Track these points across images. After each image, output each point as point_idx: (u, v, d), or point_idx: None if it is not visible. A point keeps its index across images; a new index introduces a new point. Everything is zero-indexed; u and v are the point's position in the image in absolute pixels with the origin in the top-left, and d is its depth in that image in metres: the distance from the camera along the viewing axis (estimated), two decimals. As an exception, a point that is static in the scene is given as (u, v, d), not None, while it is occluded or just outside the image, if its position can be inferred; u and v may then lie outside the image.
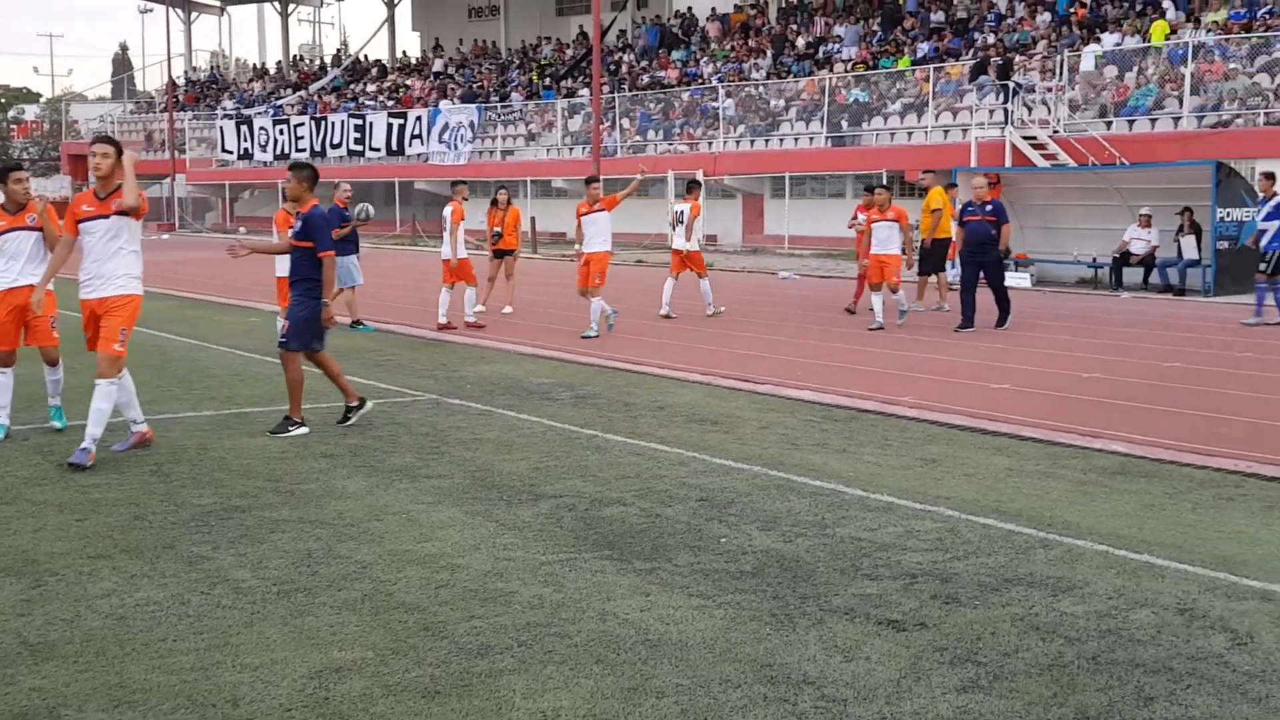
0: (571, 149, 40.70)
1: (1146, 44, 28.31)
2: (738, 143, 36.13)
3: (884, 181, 27.64)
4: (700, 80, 39.12)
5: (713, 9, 44.56)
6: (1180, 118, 26.58)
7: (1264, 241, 16.16)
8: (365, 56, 60.15)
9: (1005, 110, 28.38)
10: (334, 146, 48.05)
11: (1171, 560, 5.92)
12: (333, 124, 48.42)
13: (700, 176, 34.78)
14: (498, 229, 18.18)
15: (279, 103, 55.63)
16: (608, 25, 45.36)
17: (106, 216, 7.93)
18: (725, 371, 12.10)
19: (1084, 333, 15.45)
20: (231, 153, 52.61)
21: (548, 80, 44.85)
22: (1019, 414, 9.82)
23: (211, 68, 71.54)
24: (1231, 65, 26.47)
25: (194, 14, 67.95)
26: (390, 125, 46.03)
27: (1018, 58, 30.20)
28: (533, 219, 34.43)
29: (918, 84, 32.33)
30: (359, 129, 47.15)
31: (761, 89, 36.75)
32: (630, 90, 40.78)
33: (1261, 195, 16.58)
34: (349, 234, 15.72)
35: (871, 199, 17.08)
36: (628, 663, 4.60)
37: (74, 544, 6.12)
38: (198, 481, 7.46)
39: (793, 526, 6.49)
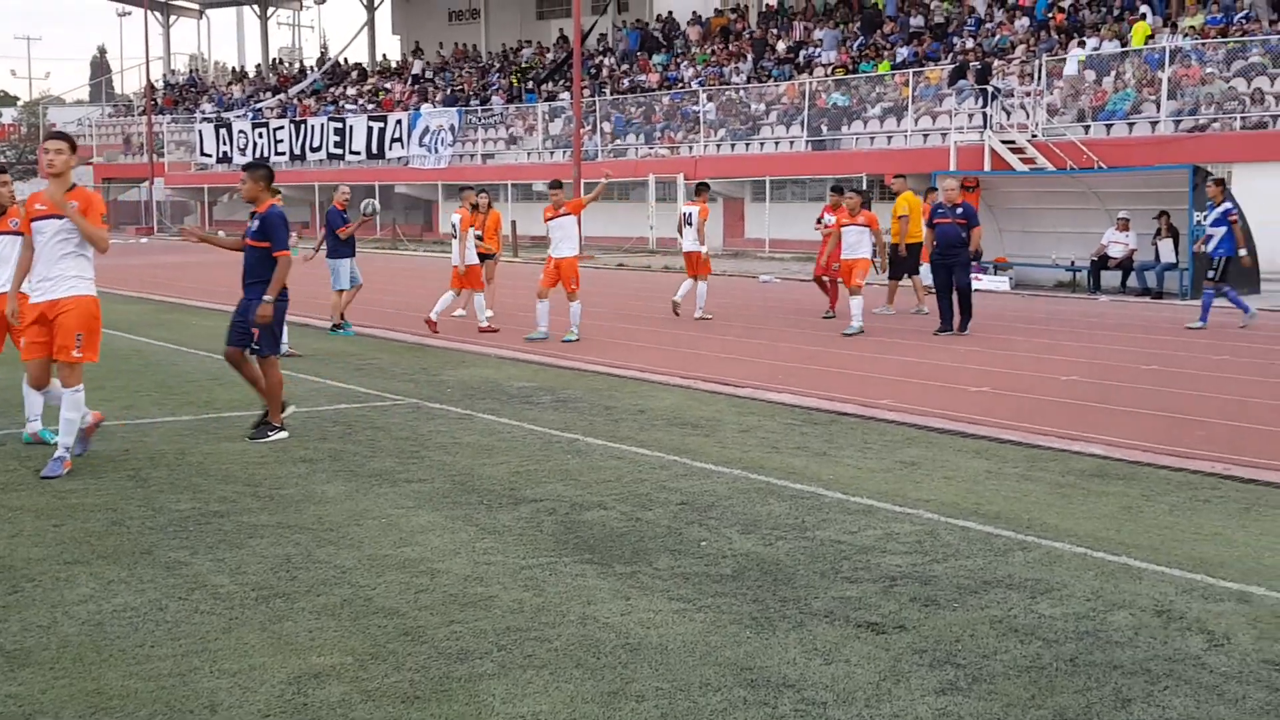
0: (552, 152, 40.69)
1: (1125, 48, 28.50)
2: (718, 146, 36.19)
3: (864, 186, 27.79)
4: (681, 84, 39.17)
5: (694, 13, 44.63)
6: (1157, 122, 26.76)
7: (1210, 247, 16.31)
8: (345, 60, 60.01)
9: (984, 114, 28.50)
10: (314, 150, 47.90)
11: (1149, 562, 5.95)
12: (312, 127, 48.27)
13: (682, 179, 35.05)
14: (478, 232, 18.16)
15: (258, 106, 55.43)
16: (588, 29, 45.38)
17: (59, 217, 7.60)
18: (706, 375, 12.12)
19: (1062, 336, 15.53)
20: (210, 156, 52.36)
21: (530, 84, 44.82)
22: (998, 417, 9.86)
23: (190, 71, 71.23)
24: (1208, 70, 26.67)
25: (172, 17, 67.65)
26: (370, 129, 45.93)
27: (996, 62, 30.34)
28: (513, 223, 34.39)
29: (897, 88, 32.46)
30: (339, 132, 47.02)
31: (742, 93, 36.83)
32: (611, 94, 40.79)
33: (1210, 201, 16.64)
34: (349, 237, 15.71)
35: (839, 200, 17.13)
36: (608, 667, 4.60)
37: (50, 550, 6.08)
38: (175, 486, 7.42)
39: (773, 530, 6.50)
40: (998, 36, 32.68)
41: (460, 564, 5.88)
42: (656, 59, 42.54)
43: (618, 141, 39.14)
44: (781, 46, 38.70)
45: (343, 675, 4.51)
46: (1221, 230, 16.10)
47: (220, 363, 9.25)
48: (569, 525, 6.59)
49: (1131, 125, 27.23)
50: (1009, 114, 28.73)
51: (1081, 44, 29.65)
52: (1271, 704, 4.32)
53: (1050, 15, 32.15)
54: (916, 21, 36.21)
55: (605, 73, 43.45)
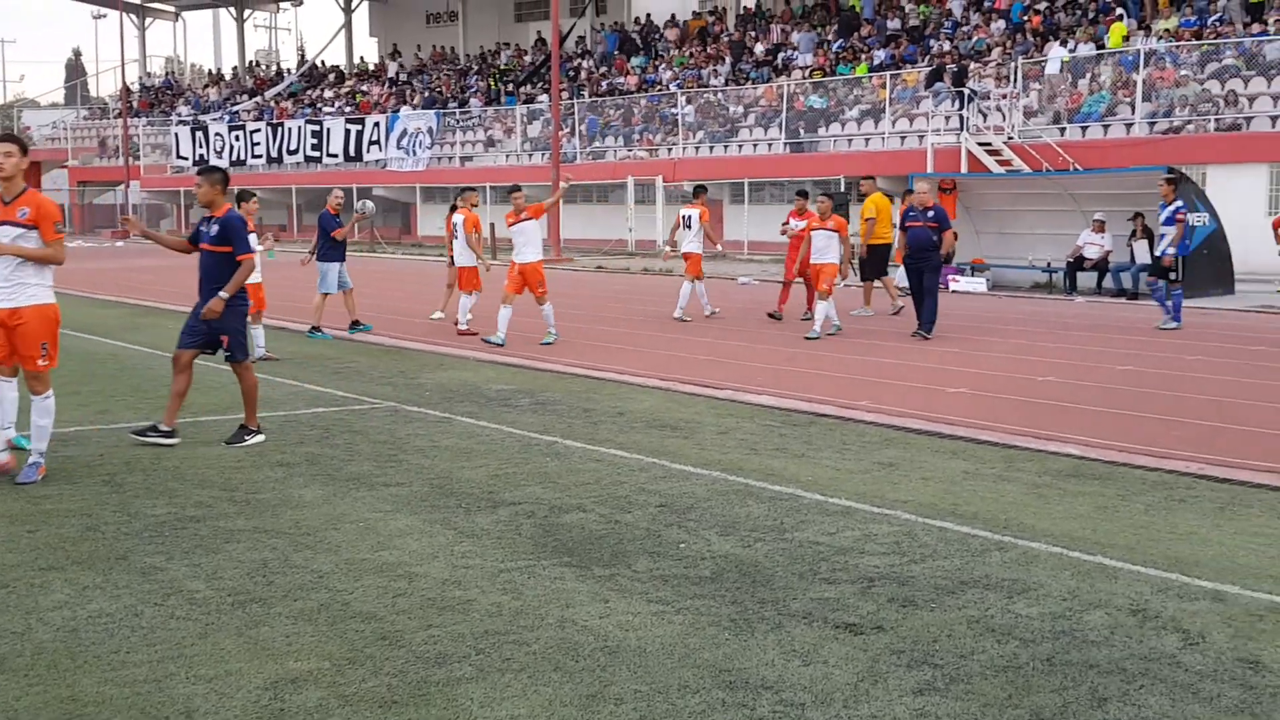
0: (531, 155, 40.65)
1: (1102, 50, 28.67)
2: (697, 149, 36.24)
3: (842, 188, 27.90)
4: (659, 86, 39.20)
5: (672, 15, 44.68)
6: (1132, 124, 26.94)
7: (1160, 248, 16.40)
8: (323, 62, 59.81)
9: (961, 117, 28.63)
10: (290, 153, 47.70)
11: (1124, 561, 5.99)
12: (289, 130, 48.08)
13: (661, 181, 35.07)
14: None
15: (235, 109, 55.19)
16: (566, 31, 45.34)
17: (10, 223, 7.38)
18: (685, 377, 12.12)
19: (1039, 337, 15.60)
20: (187, 159, 52.07)
21: (510, 86, 44.76)
22: (975, 417, 9.90)
23: (166, 73, 70.83)
24: (1183, 72, 26.86)
25: (148, 19, 67.32)
26: (348, 131, 45.79)
27: (972, 65, 30.48)
28: (492, 225, 34.27)
29: (874, 91, 32.56)
30: (316, 135, 46.85)
31: (720, 95, 36.88)
32: (589, 96, 40.79)
33: (1162, 200, 16.68)
34: (340, 241, 15.70)
35: (804, 204, 17.15)
36: (586, 670, 4.60)
37: (25, 556, 6.03)
38: (151, 491, 7.38)
39: (751, 531, 6.51)
40: (974, 39, 32.84)
41: (438, 567, 5.86)
42: (635, 61, 42.57)
43: (597, 144, 39.14)
44: (760, 49, 38.79)
45: (320, 680, 4.49)
46: (1171, 230, 16.19)
47: (197, 367, 9.18)
48: (547, 528, 6.58)
49: (1107, 127, 27.41)
50: (985, 116, 28.87)
51: (1064, 43, 29.82)
52: (1245, 702, 4.35)
53: (1026, 18, 32.32)
54: (893, 24, 36.35)
55: (584, 75, 43.44)
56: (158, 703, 4.29)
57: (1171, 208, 16.30)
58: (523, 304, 14.93)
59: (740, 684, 4.47)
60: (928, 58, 32.75)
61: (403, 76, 51.56)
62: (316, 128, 47.05)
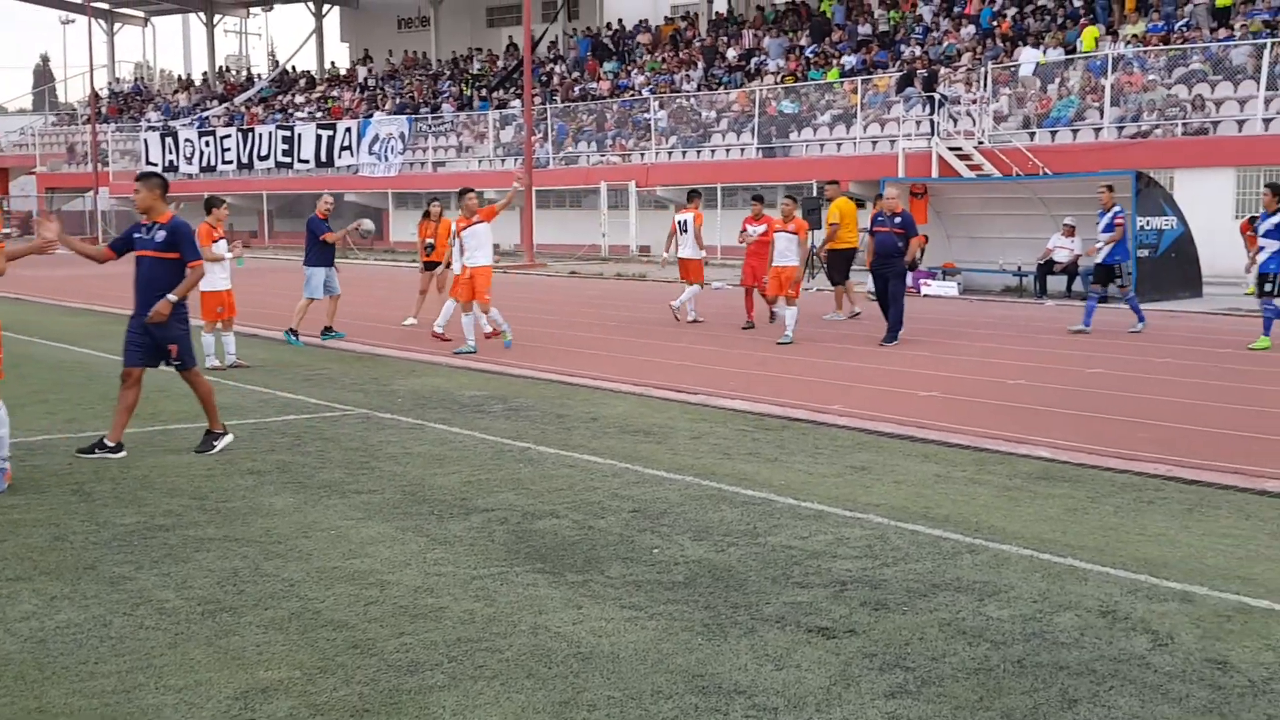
0: (504, 160, 40.58)
1: (1072, 54, 28.89)
2: (670, 154, 36.27)
3: (814, 192, 27.95)
4: (632, 91, 39.24)
5: (644, 20, 44.72)
6: (1101, 128, 27.15)
7: (1100, 257, 16.57)
8: (294, 68, 59.54)
9: (931, 122, 28.78)
10: (261, 158, 47.42)
11: (1094, 563, 6.03)
12: (260, 136, 47.80)
13: (634, 186, 35.08)
14: (430, 240, 18.11)
15: (205, 114, 54.86)
16: (539, 36, 45.33)
17: None
18: (658, 382, 12.13)
19: (1009, 340, 15.70)
20: (156, 165, 51.69)
21: (482, 91, 44.68)
22: (946, 421, 9.95)
23: (135, 79, 70.34)
24: (1150, 77, 27.10)
25: (117, 25, 66.78)
26: (319, 137, 45.56)
27: (943, 70, 30.65)
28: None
29: (846, 96, 32.69)
30: (287, 140, 46.60)
31: (693, 100, 36.94)
32: (562, 101, 40.79)
33: (1101, 207, 16.79)
34: (329, 245, 15.65)
35: (760, 209, 17.09)
36: (559, 676, 4.59)
37: (-9, 566, 5.97)
38: (120, 500, 7.32)
39: (725, 536, 6.52)
40: (944, 44, 33.02)
41: (410, 575, 5.84)
42: (607, 66, 42.60)
43: (569, 149, 39.14)
44: (732, 54, 38.88)
45: (291, 689, 4.47)
46: (1107, 236, 16.36)
47: (165, 375, 9.13)
48: (520, 534, 6.56)
49: (1076, 132, 27.61)
50: (956, 121, 29.04)
51: (1036, 45, 30.03)
52: (1214, 702, 4.39)
53: (995, 23, 32.54)
54: (864, 30, 36.51)
55: (556, 80, 43.43)
56: (127, 713, 4.26)
57: (1111, 213, 16.47)
58: (496, 307, 14.90)
59: (713, 689, 4.47)
60: (898, 63, 32.90)
61: (374, 82, 51.38)
62: (288, 133, 46.80)
